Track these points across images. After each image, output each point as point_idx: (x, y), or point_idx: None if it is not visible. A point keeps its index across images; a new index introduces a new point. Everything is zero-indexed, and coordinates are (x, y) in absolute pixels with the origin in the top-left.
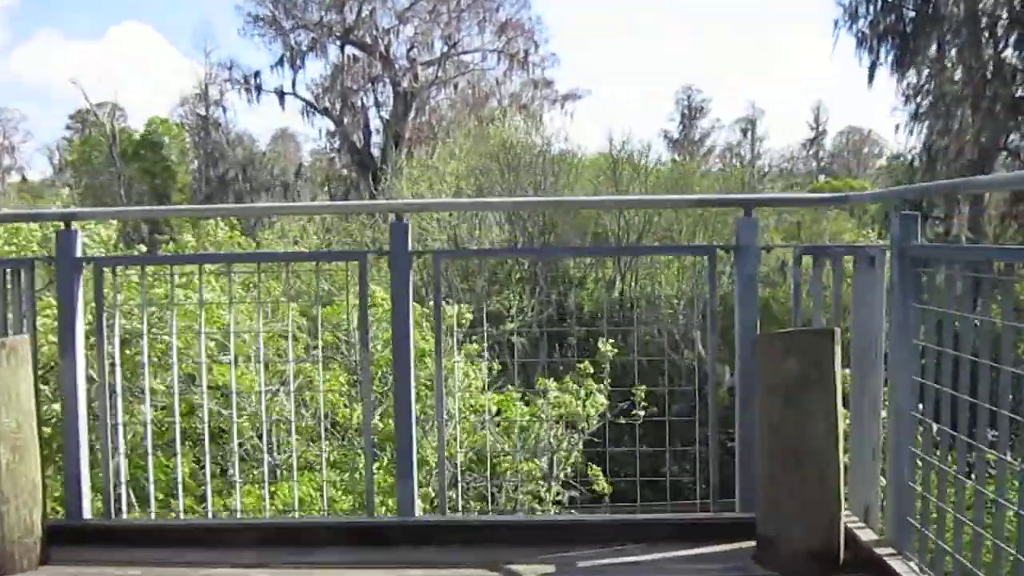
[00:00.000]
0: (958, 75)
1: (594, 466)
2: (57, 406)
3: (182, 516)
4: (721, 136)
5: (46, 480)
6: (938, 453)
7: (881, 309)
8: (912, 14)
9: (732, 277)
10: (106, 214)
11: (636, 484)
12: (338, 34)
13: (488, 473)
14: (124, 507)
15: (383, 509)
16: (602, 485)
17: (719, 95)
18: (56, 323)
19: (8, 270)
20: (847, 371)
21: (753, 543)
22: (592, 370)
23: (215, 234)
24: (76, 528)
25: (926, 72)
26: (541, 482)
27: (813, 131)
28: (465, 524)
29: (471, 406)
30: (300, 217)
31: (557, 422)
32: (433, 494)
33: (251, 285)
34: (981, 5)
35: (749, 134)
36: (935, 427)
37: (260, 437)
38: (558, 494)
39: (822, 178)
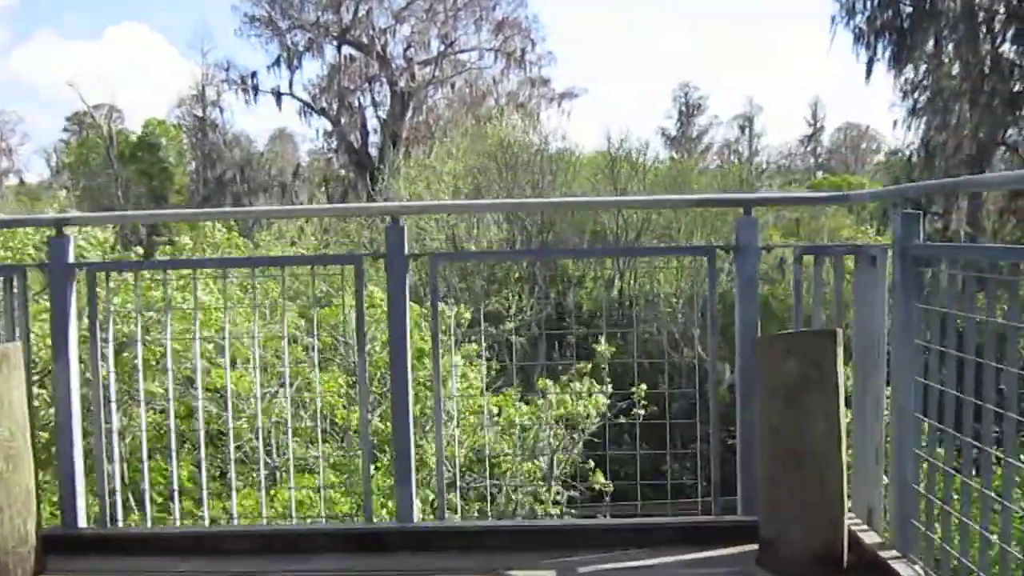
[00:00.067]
0: (956, 70)
1: (594, 465)
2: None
3: (179, 523)
4: (719, 133)
5: (43, 487)
6: (942, 452)
7: (883, 309)
8: (909, 9)
9: (732, 276)
10: (98, 219)
11: (637, 486)
12: (335, 34)
13: (487, 475)
14: (120, 515)
15: (383, 511)
16: (602, 483)
17: (716, 94)
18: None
19: (0, 277)
20: (849, 371)
21: (755, 546)
22: (591, 370)
23: (212, 235)
24: (72, 537)
25: (923, 68)
26: (541, 483)
27: (811, 127)
28: (464, 530)
29: (470, 407)
30: (297, 218)
31: (557, 423)
32: (432, 496)
33: (249, 287)
34: (978, 0)
35: (747, 131)
36: (939, 428)
37: (261, 437)
38: (558, 494)
39: (820, 174)
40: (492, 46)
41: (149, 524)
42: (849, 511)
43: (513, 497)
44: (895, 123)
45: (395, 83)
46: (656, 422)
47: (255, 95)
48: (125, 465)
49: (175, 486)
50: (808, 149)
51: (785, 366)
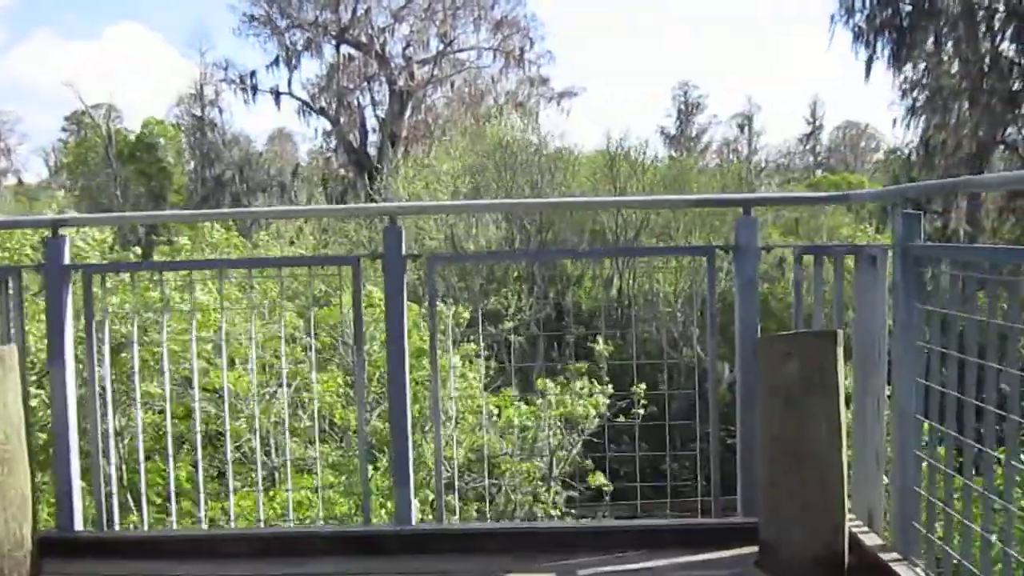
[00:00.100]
0: (955, 69)
1: (593, 465)
2: None
3: (176, 526)
4: (718, 132)
5: (42, 488)
6: (943, 454)
7: (883, 309)
8: (908, 8)
9: (731, 275)
10: (94, 221)
11: (637, 487)
12: (333, 33)
13: (486, 475)
14: (116, 518)
15: (382, 512)
16: (602, 483)
17: (716, 93)
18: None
19: None
20: (848, 372)
21: (755, 548)
22: (590, 370)
23: (211, 236)
24: (68, 540)
25: (923, 66)
26: (540, 483)
27: (810, 126)
28: (463, 532)
29: (469, 407)
30: (295, 219)
31: (557, 423)
32: (432, 495)
33: (247, 287)
34: None
35: (746, 129)
36: (940, 429)
37: (259, 439)
38: (557, 494)
39: (819, 173)
40: (491, 45)
41: (146, 527)
42: (849, 513)
43: (512, 497)
44: (894, 121)
45: (394, 82)
46: (655, 424)
47: (254, 94)
48: (124, 466)
49: (172, 489)
50: (807, 148)
51: (786, 367)
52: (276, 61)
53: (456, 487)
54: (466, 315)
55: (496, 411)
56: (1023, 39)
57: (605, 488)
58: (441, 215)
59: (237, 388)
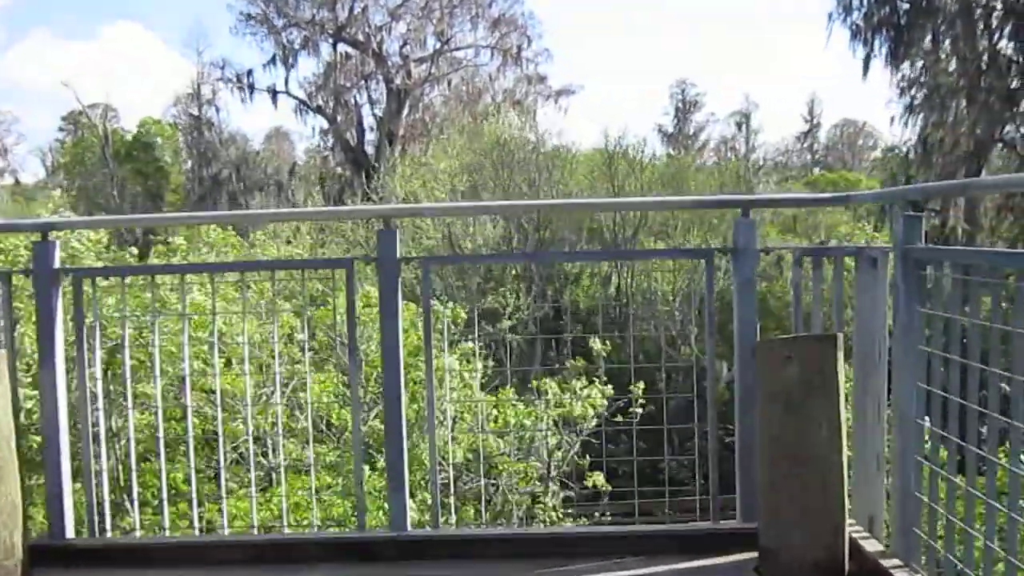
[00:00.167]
0: (953, 67)
1: (591, 465)
2: None
3: (168, 532)
4: (716, 130)
5: (36, 491)
6: (944, 458)
7: (884, 312)
8: (906, 6)
9: (729, 274)
10: (84, 224)
11: (635, 490)
12: (330, 32)
13: (484, 477)
14: (109, 525)
15: (380, 514)
16: (600, 482)
17: (714, 92)
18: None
19: None
20: (849, 375)
21: (755, 554)
22: (588, 369)
23: (207, 235)
24: (59, 548)
25: (921, 64)
26: (538, 483)
27: (808, 124)
28: (459, 538)
29: (467, 407)
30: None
31: (555, 423)
32: (429, 499)
33: (243, 287)
34: None
35: (744, 127)
36: (942, 435)
37: (256, 440)
38: (555, 494)
39: (817, 171)
40: (488, 43)
41: (138, 534)
42: (849, 519)
43: (510, 498)
44: (892, 119)
45: (391, 81)
46: (655, 428)
47: (251, 93)
48: (120, 467)
49: (164, 496)
50: (805, 146)
51: (786, 371)
52: (273, 60)
53: (454, 488)
54: (464, 315)
55: (495, 412)
56: (1021, 37)
57: (603, 489)
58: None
59: (235, 389)
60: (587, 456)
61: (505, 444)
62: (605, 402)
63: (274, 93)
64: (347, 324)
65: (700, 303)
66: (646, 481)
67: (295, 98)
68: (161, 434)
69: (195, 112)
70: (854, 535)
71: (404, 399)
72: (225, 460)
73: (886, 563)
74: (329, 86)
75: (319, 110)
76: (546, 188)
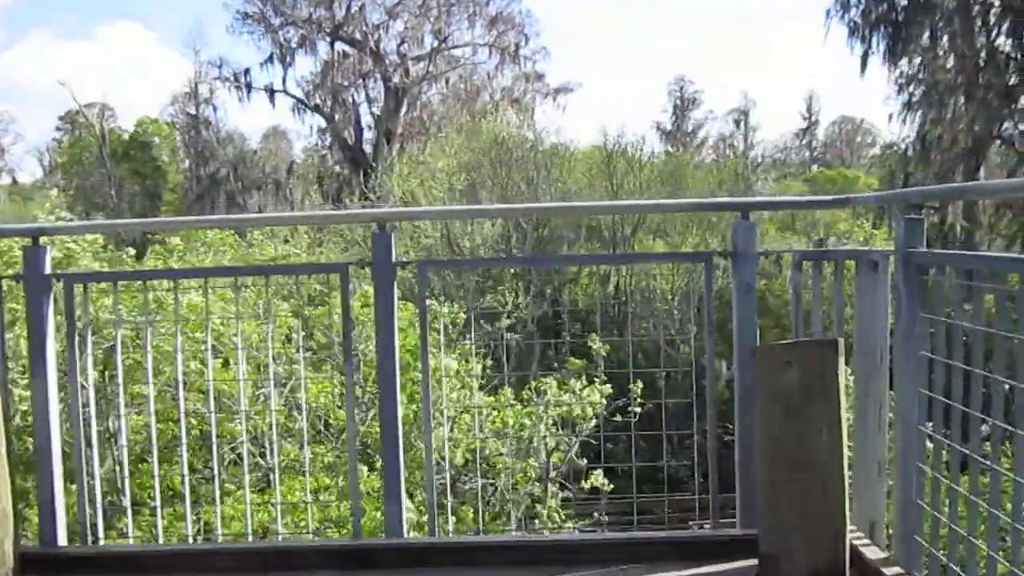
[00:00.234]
0: (951, 63)
1: (590, 464)
2: None
3: (162, 539)
4: (714, 128)
5: (31, 491)
6: (946, 463)
7: (886, 316)
8: (904, 2)
9: (728, 273)
10: (75, 229)
11: (633, 495)
12: (328, 30)
13: (482, 477)
14: (101, 532)
15: (378, 514)
16: (599, 483)
17: (712, 90)
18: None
19: None
20: (849, 380)
21: (754, 561)
22: (587, 368)
23: (205, 234)
24: (51, 556)
25: (919, 61)
26: (537, 483)
27: (806, 121)
28: (457, 545)
29: (466, 407)
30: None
31: (555, 424)
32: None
33: (242, 286)
34: None
35: (742, 125)
36: (945, 442)
37: (253, 441)
38: (554, 496)
39: (815, 168)
40: (486, 41)
41: (132, 541)
42: (851, 525)
43: (509, 497)
44: (890, 117)
45: (389, 79)
46: (654, 433)
47: (248, 92)
48: (117, 468)
49: (158, 503)
50: (803, 143)
51: (786, 375)
52: (270, 59)
53: (452, 490)
54: (462, 314)
55: (494, 412)
56: (1019, 33)
57: (603, 488)
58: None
59: (232, 390)
60: (585, 459)
61: (504, 445)
62: (604, 402)
63: (271, 92)
64: (343, 331)
65: (699, 301)
66: (646, 479)
67: (293, 97)
68: (155, 440)
69: (192, 111)
70: (855, 542)
71: (401, 403)
72: (224, 461)
73: (888, 571)
74: (327, 85)
75: (317, 109)
76: (544, 186)
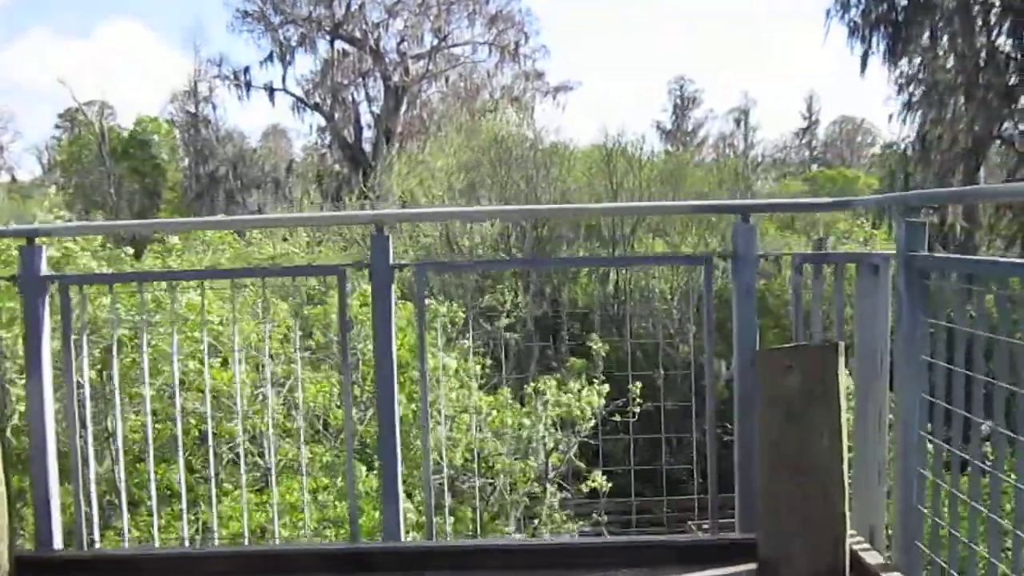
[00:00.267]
0: (951, 63)
1: (589, 463)
2: None
3: (158, 543)
4: (714, 127)
5: (19, 505)
6: (947, 466)
7: (886, 321)
8: (904, 2)
9: (728, 275)
10: (71, 230)
11: (632, 499)
12: (327, 29)
13: (482, 478)
14: (97, 535)
15: (377, 514)
16: (599, 482)
17: (712, 89)
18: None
19: None
20: (850, 383)
21: (754, 566)
22: (586, 367)
23: (204, 233)
24: (46, 559)
25: (919, 61)
26: (536, 483)
27: (806, 121)
28: (456, 549)
29: (464, 407)
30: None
31: (553, 424)
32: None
33: (240, 285)
34: None
35: (742, 124)
36: (945, 447)
37: (252, 440)
38: (553, 495)
39: (815, 167)
40: (486, 40)
41: (127, 544)
42: (850, 530)
43: (508, 498)
44: (890, 117)
45: (388, 78)
46: (654, 436)
47: (248, 91)
48: (117, 467)
49: (154, 506)
50: (803, 142)
51: (786, 380)
52: (270, 57)
53: (452, 490)
54: (461, 313)
55: (492, 412)
56: (1019, 33)
57: (601, 488)
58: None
59: (230, 389)
60: (584, 460)
61: (503, 444)
62: (603, 402)
63: (271, 90)
64: (340, 334)
65: (698, 300)
66: (645, 478)
67: (292, 95)
68: (151, 443)
69: (192, 109)
70: (855, 547)
71: (400, 403)
72: (223, 461)
73: None
74: (326, 83)
75: (316, 107)
76: (544, 185)
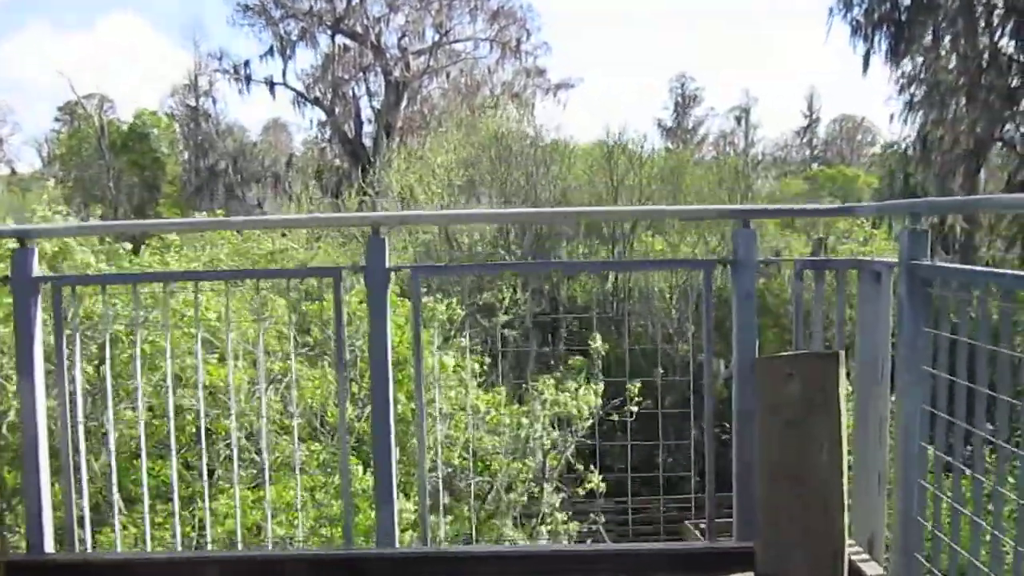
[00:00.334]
0: (953, 64)
1: (588, 466)
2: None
3: (150, 546)
4: (715, 125)
5: (15, 502)
6: (947, 477)
7: (887, 329)
8: (907, 2)
9: (727, 275)
10: (63, 231)
11: (629, 503)
12: (328, 23)
13: (473, 480)
14: (89, 539)
15: (374, 513)
16: (596, 483)
17: (713, 87)
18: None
19: None
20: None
21: (751, 574)
22: (585, 366)
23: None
24: (38, 564)
25: (921, 61)
26: (533, 483)
27: (807, 119)
28: (450, 555)
29: (461, 407)
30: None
31: (552, 424)
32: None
33: (239, 283)
34: None
35: (743, 122)
36: (946, 459)
37: (248, 437)
38: (550, 494)
39: (815, 166)
40: (487, 36)
41: (120, 548)
42: (849, 540)
43: (504, 498)
44: (892, 116)
45: (389, 73)
46: (651, 443)
47: (248, 85)
48: (113, 465)
49: (146, 510)
50: (804, 141)
51: (786, 388)
52: (271, 51)
53: (448, 488)
54: (459, 311)
55: (490, 411)
56: (1022, 35)
57: (598, 488)
58: (433, 207)
59: (227, 386)
60: (580, 460)
61: (500, 443)
62: (600, 401)
63: (271, 84)
64: (335, 336)
65: (697, 298)
66: (643, 477)
67: (293, 90)
68: (143, 445)
69: (192, 103)
70: (853, 557)
71: (395, 407)
72: (219, 457)
73: None
74: (327, 78)
75: (317, 102)
76: (544, 182)
